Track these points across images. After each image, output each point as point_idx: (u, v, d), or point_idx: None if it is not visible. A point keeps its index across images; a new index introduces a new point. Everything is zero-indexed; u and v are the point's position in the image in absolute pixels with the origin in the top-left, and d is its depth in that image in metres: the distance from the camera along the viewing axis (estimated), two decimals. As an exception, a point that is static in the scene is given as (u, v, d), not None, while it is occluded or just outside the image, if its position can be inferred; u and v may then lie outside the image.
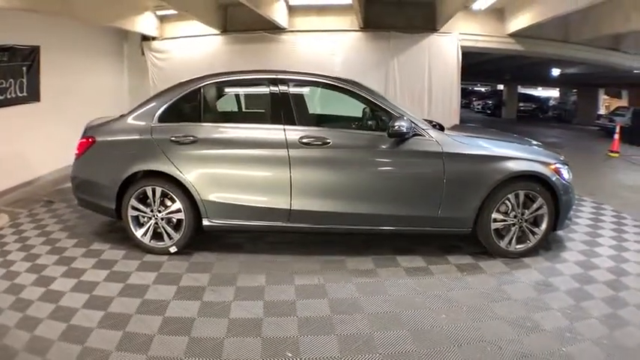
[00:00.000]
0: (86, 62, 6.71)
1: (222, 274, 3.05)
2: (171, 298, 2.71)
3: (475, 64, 14.44)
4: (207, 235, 3.51)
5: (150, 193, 3.29)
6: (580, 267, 3.21)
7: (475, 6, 7.71)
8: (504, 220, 3.28)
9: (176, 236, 3.31)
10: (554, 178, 3.25)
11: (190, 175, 3.20)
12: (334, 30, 8.41)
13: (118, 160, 3.33)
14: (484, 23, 8.66)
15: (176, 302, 2.66)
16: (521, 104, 24.15)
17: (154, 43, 8.05)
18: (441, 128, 3.43)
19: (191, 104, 3.48)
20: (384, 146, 3.16)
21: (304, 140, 3.12)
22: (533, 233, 3.33)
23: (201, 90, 3.43)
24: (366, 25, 8.25)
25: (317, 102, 4.58)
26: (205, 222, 3.28)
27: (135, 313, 2.53)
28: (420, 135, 3.16)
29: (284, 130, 3.16)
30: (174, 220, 3.32)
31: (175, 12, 7.18)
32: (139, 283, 2.91)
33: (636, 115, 12.73)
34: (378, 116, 3.46)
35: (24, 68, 5.32)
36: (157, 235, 3.36)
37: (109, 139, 3.40)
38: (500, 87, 26.52)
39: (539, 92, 29.71)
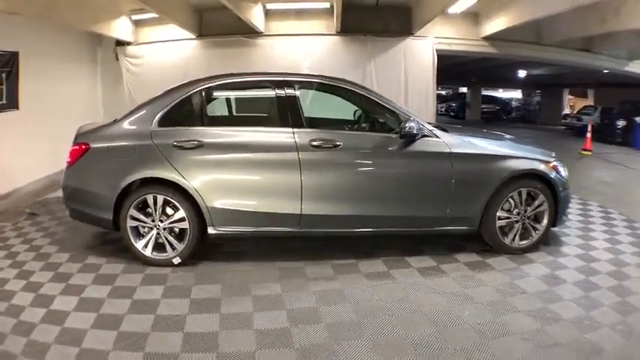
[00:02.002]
0: (62, 68, 6.57)
1: (234, 284, 3.04)
2: (186, 312, 2.66)
3: (439, 69, 15.16)
4: (207, 244, 3.49)
5: (151, 202, 3.22)
6: (581, 260, 3.47)
7: (450, 10, 8.10)
8: (508, 218, 3.49)
9: (180, 246, 3.26)
10: (553, 176, 3.50)
11: (195, 182, 3.17)
12: (311, 34, 8.58)
13: (116, 168, 3.24)
14: (459, 27, 9.12)
15: (193, 316, 2.61)
16: (484, 106, 25.39)
17: (129, 49, 7.93)
18: (443, 130, 3.61)
19: (193, 107, 3.46)
20: (393, 148, 3.28)
21: (314, 143, 3.18)
22: (535, 229, 3.56)
23: (203, 93, 3.42)
24: (343, 30, 8.47)
25: (310, 104, 4.69)
26: (211, 230, 3.24)
27: (151, 330, 2.46)
28: (427, 136, 3.31)
29: (293, 133, 3.20)
30: (177, 229, 3.27)
31: (150, 16, 7.11)
32: (147, 298, 2.84)
33: (604, 114, 13.73)
34: (375, 118, 3.59)
35: (3, 75, 5.15)
36: (158, 246, 3.30)
37: (105, 145, 3.30)
38: (463, 90, 27.80)
39: (501, 94, 31.35)
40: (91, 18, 6.17)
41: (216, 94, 3.64)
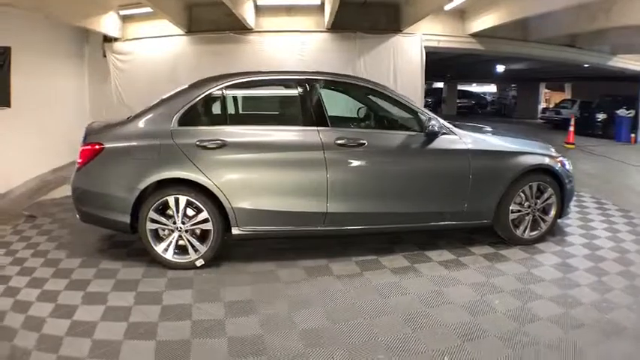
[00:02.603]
0: (50, 65, 6.49)
1: (263, 284, 3.10)
2: (223, 316, 2.67)
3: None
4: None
5: (172, 204, 3.23)
6: (587, 248, 3.78)
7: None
8: (519, 211, 3.75)
9: (202, 248, 3.29)
10: (560, 170, 3.79)
11: (220, 182, 3.20)
12: (301, 31, 8.72)
13: (134, 168, 3.23)
14: (445, 24, 9.45)
15: (232, 320, 2.63)
16: (459, 101, 26.21)
17: (117, 45, 7.88)
18: (458, 127, 3.81)
19: (214, 106, 3.49)
20: (415, 145, 3.46)
21: (339, 142, 3.30)
22: (544, 221, 3.84)
23: (224, 91, 3.45)
24: (333, 27, 8.65)
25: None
26: (235, 231, 3.29)
27: (190, 337, 2.44)
28: (446, 133, 3.52)
29: (318, 131, 3.31)
30: (198, 231, 3.29)
31: (139, 12, 7.10)
32: (177, 303, 2.83)
33: (583, 107, 14.49)
34: (393, 116, 3.77)
35: (-5, 71, 5.06)
36: (179, 249, 3.31)
37: (121, 145, 3.28)
38: (438, 85, 28.58)
39: (474, 88, 32.39)
40: (81, 12, 6.14)
41: (237, 92, 3.68)
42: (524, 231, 3.80)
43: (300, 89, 3.45)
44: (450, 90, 26.89)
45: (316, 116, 3.38)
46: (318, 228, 3.40)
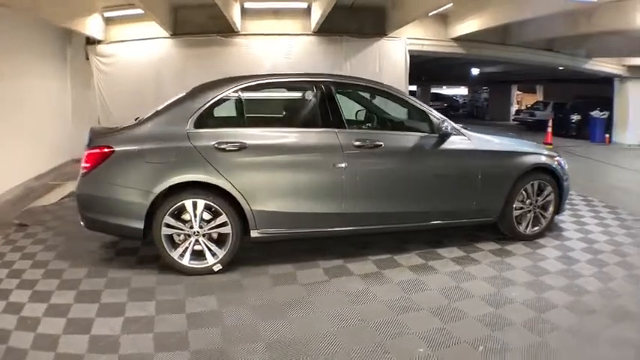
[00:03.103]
0: (33, 68, 6.39)
1: (288, 287, 3.17)
2: (253, 321, 2.71)
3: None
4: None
5: (190, 208, 3.24)
6: (584, 242, 4.11)
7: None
8: (522, 208, 4.04)
9: (220, 253, 3.31)
10: (558, 168, 4.11)
11: (239, 185, 3.25)
12: (288, 34, 8.89)
13: (149, 172, 3.23)
14: (428, 28, 9.86)
15: (264, 324, 2.66)
16: (432, 103, 26.99)
17: (100, 47, 7.82)
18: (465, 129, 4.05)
19: (230, 108, 3.55)
20: (428, 146, 3.68)
21: (357, 143, 3.45)
22: (544, 217, 4.15)
23: (240, 92, 3.50)
24: (320, 30, 8.86)
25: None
26: (254, 234, 3.35)
27: (226, 345, 2.44)
28: (456, 134, 3.76)
29: (336, 133, 3.46)
30: (214, 235, 3.31)
31: (122, 14, 7.12)
32: (202, 310, 2.83)
33: (557, 109, 15.30)
34: (398, 118, 3.98)
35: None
36: (195, 254, 3.30)
37: (133, 148, 3.25)
38: (411, 88, 29.36)
39: (445, 91, 33.44)
40: (69, 13, 6.09)
41: (253, 94, 3.74)
42: (527, 227, 4.09)
43: (316, 91, 3.59)
44: (423, 93, 27.72)
45: (333, 118, 3.51)
46: (336, 228, 3.54)
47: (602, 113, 12.68)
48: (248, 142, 3.32)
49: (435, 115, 3.77)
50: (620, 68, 12.39)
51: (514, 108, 25.28)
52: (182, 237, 3.31)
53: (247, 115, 3.56)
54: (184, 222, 3.29)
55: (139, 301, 2.95)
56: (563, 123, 13.84)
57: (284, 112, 4.08)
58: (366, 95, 4.20)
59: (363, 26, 9.26)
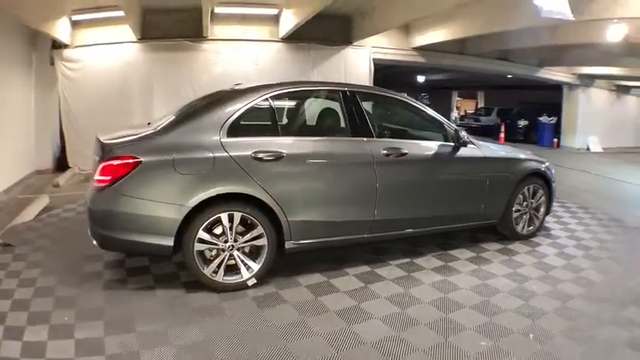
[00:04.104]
0: None
1: (332, 296, 3.31)
2: (317, 330, 2.82)
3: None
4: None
5: (225, 221, 3.24)
6: (573, 240, 4.76)
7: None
8: (519, 210, 4.59)
9: (255, 266, 3.36)
10: (548, 173, 4.73)
11: (277, 195, 3.32)
12: (257, 40, 9.08)
13: (182, 184, 3.16)
14: (392, 37, 10.52)
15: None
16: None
17: (66, 52, 7.52)
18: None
19: (263, 116, 3.62)
20: (447, 154, 4.08)
21: (385, 152, 3.73)
22: (537, 218, 4.74)
23: (270, 100, 3.56)
24: (287, 37, 9.13)
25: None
26: (289, 245, 3.44)
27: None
28: (469, 143, 4.21)
29: (366, 142, 3.71)
30: (247, 248, 3.34)
31: (91, 17, 6.94)
32: (256, 329, 2.85)
33: (501, 115, 16.76)
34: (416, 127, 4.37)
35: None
36: (228, 269, 3.31)
37: (163, 158, 3.16)
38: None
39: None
40: (41, 16, 5.84)
41: (284, 102, 3.85)
42: (523, 227, 4.65)
43: (345, 100, 3.81)
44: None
45: (362, 127, 3.76)
46: (365, 235, 3.80)
47: (550, 118, 14.16)
48: (285, 151, 3.40)
49: (450, 125, 4.20)
50: (570, 76, 13.98)
51: (454, 113, 27.11)
52: (214, 252, 3.30)
53: (281, 123, 3.63)
54: (216, 236, 3.28)
55: (181, 326, 2.86)
56: (510, 128, 15.24)
57: (314, 121, 4.17)
58: (389, 105, 4.53)
59: (328, 34, 9.65)
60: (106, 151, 3.23)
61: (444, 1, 6.18)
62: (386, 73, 18.27)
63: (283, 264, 3.72)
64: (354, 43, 10.00)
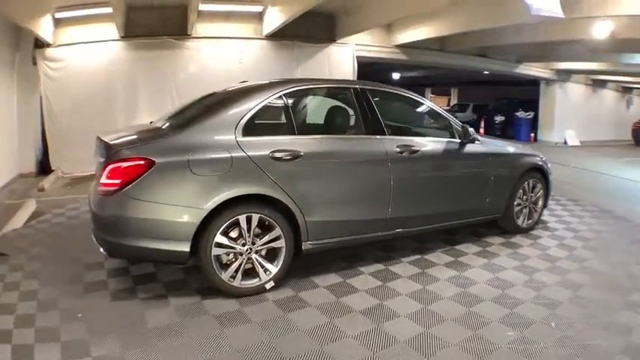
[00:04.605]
0: None
1: (354, 296, 3.35)
2: (350, 332, 2.84)
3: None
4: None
5: (243, 223, 3.20)
6: (569, 231, 5.00)
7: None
8: (519, 204, 4.78)
9: (273, 269, 3.34)
10: (545, 167, 4.93)
11: (296, 196, 3.31)
12: (241, 37, 9.05)
13: (199, 186, 3.08)
14: (375, 35, 10.71)
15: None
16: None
17: (48, 51, 7.36)
18: None
19: (277, 114, 3.61)
20: (454, 150, 4.21)
21: (398, 149, 3.81)
22: (535, 211, 4.95)
23: (284, 98, 3.54)
24: (271, 35, 9.13)
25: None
26: (306, 246, 3.44)
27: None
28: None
29: (380, 140, 3.78)
30: (264, 251, 3.31)
31: (75, 15, 6.80)
32: (286, 334, 2.83)
33: (477, 110, 17.23)
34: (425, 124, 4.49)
35: None
36: (245, 273, 3.28)
37: (179, 159, 3.06)
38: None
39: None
40: (27, 12, 5.65)
41: (297, 100, 3.85)
42: (523, 221, 4.85)
43: (357, 98, 3.85)
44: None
45: (375, 125, 3.83)
46: (379, 233, 3.87)
47: (527, 113, 14.67)
48: (302, 150, 3.40)
49: (457, 122, 4.33)
50: (548, 72, 14.52)
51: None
52: (231, 256, 3.25)
53: (296, 122, 3.62)
54: (233, 240, 3.23)
55: (207, 338, 2.78)
56: (486, 123, 15.69)
57: (328, 119, 4.16)
58: (400, 103, 4.62)
59: (312, 32, 9.74)
60: (113, 152, 3.09)
61: (436, 0, 6.29)
62: (364, 70, 18.58)
63: (296, 265, 3.70)
64: (338, 41, 10.12)
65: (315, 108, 4.34)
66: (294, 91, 3.68)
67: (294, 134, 3.52)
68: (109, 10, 6.42)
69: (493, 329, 2.93)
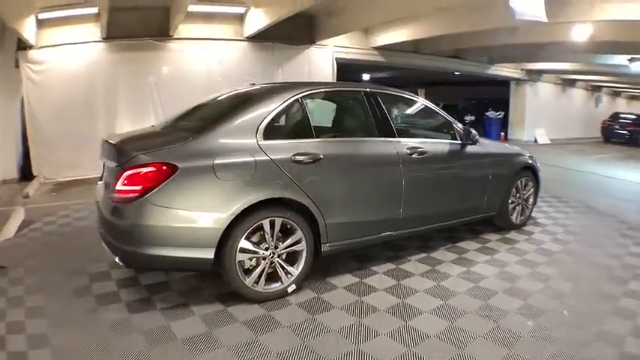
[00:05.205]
0: None
1: (376, 295, 3.51)
2: (385, 332, 2.98)
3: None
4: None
5: (267, 228, 3.24)
6: (559, 227, 5.38)
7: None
8: (513, 202, 5.10)
9: (295, 272, 3.41)
10: (536, 166, 5.28)
11: (317, 199, 3.41)
12: (220, 39, 9.08)
13: (223, 191, 3.10)
14: (353, 37, 10.98)
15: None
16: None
17: (31, 53, 7.19)
18: None
19: (295, 117, 3.68)
20: (457, 151, 4.46)
21: (408, 151, 4.00)
22: (527, 208, 5.30)
23: (301, 101, 3.60)
24: (250, 36, 9.20)
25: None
26: (325, 247, 3.54)
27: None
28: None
29: (393, 142, 3.95)
30: (284, 255, 3.36)
31: (59, 15, 6.64)
32: (319, 337, 2.89)
33: (446, 110, 17.81)
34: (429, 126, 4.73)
35: None
36: (267, 278, 3.32)
37: (202, 164, 3.05)
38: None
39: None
40: (14, 11, 5.50)
41: (314, 103, 3.93)
42: (517, 217, 5.18)
43: (369, 101, 4.01)
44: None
45: (386, 127, 4.00)
46: (391, 233, 4.06)
47: (497, 113, 15.33)
48: (321, 153, 3.48)
49: (458, 124, 4.60)
50: (519, 72, 15.21)
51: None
52: (254, 261, 3.28)
53: (314, 125, 3.67)
54: (256, 244, 3.26)
55: (244, 345, 2.80)
56: (458, 123, 16.22)
57: (343, 122, 4.23)
58: (408, 106, 4.82)
59: (292, 33, 9.85)
60: (129, 158, 3.04)
61: (424, 5, 6.54)
62: (338, 71, 18.92)
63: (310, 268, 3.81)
64: (317, 43, 10.27)
65: (329, 111, 4.48)
66: (310, 94, 3.75)
67: (312, 137, 3.59)
68: (92, 10, 6.34)
69: (512, 320, 3.18)
